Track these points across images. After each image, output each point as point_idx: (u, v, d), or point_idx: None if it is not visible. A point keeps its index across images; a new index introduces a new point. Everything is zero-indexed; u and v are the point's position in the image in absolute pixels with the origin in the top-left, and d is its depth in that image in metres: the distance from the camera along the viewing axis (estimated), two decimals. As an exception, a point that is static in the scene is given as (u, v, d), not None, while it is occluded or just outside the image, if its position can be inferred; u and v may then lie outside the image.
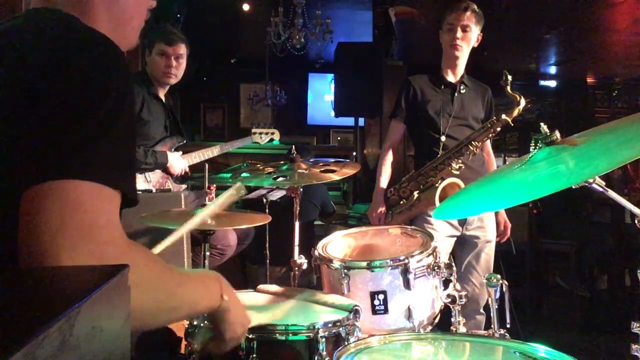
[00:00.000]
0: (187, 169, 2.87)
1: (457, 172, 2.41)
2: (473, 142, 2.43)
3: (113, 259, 0.72)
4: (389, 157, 2.68)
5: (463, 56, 2.60)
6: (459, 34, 2.52)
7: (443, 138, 2.53)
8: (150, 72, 2.75)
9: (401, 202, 2.55)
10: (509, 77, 2.30)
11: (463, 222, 2.52)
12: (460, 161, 2.43)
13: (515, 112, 2.42)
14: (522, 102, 2.40)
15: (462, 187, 2.34)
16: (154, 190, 2.57)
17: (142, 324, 0.81)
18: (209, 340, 1.07)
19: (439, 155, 2.49)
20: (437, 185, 2.40)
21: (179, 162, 2.79)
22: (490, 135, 2.48)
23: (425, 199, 2.44)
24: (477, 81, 2.73)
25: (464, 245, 2.57)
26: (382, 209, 2.58)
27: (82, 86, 0.76)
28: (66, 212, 0.70)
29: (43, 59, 0.77)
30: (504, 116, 2.42)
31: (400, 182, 2.58)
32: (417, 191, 2.50)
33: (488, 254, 2.57)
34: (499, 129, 2.45)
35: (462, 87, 2.62)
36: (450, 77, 2.63)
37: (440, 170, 2.46)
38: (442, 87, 2.62)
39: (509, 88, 2.34)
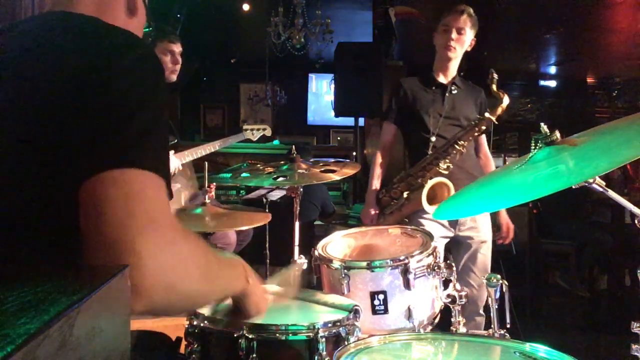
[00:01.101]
0: (180, 168, 2.86)
1: (446, 172, 2.42)
2: (459, 142, 2.44)
3: (176, 244, 0.76)
4: (380, 159, 2.70)
5: (456, 58, 2.60)
6: (454, 35, 2.53)
7: (433, 138, 2.53)
8: None
9: (392, 203, 2.55)
10: (495, 76, 2.31)
11: (455, 223, 2.52)
12: (447, 161, 2.43)
13: (499, 111, 2.43)
14: (506, 101, 2.41)
15: (450, 187, 2.35)
16: None
17: (192, 304, 0.88)
18: (231, 312, 1.16)
19: (427, 156, 2.49)
20: (425, 185, 2.40)
21: (172, 161, 2.78)
22: (475, 134, 2.48)
23: (414, 199, 2.44)
24: (469, 82, 2.73)
25: (459, 247, 2.57)
26: (374, 211, 2.59)
27: (133, 83, 0.79)
28: (133, 199, 0.72)
29: (92, 59, 0.80)
30: (487, 114, 2.43)
31: (391, 183, 2.59)
32: (407, 191, 2.50)
33: (484, 254, 2.56)
34: (483, 127, 2.47)
35: (453, 88, 2.62)
36: (442, 79, 2.63)
37: (428, 170, 2.46)
38: (433, 87, 2.62)
39: (494, 86, 2.35)
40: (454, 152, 2.44)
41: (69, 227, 0.72)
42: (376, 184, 2.64)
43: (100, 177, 0.72)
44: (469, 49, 2.62)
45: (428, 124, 2.55)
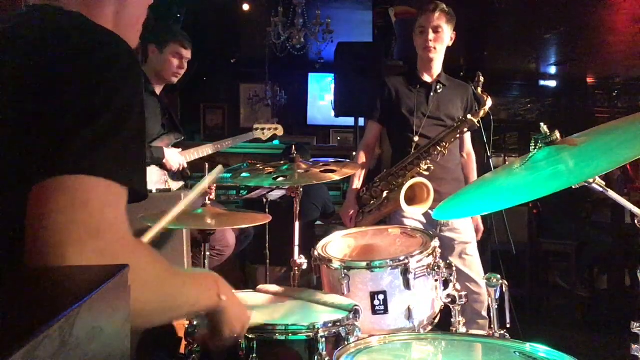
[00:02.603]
0: (185, 165, 2.86)
1: (426, 173, 2.41)
2: (441, 143, 2.44)
3: (120, 257, 0.72)
4: (363, 158, 2.69)
5: (438, 57, 2.59)
6: (431, 35, 2.52)
7: (416, 138, 2.52)
8: (154, 69, 2.79)
9: (371, 202, 2.55)
10: (482, 79, 2.32)
11: (435, 224, 2.50)
12: (428, 162, 2.43)
13: (482, 113, 2.44)
14: (489, 103, 2.41)
15: (429, 188, 2.34)
16: (154, 190, 2.57)
17: (143, 322, 0.81)
18: (206, 336, 1.08)
19: (408, 155, 2.49)
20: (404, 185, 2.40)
21: (175, 158, 2.79)
22: (457, 135, 2.47)
23: (394, 199, 2.42)
24: (456, 80, 2.71)
25: (442, 249, 2.56)
26: (353, 210, 2.58)
27: (95, 85, 0.76)
28: (74, 208, 0.70)
29: (56, 56, 0.77)
30: (469, 116, 2.43)
31: (373, 182, 2.58)
32: (387, 191, 2.50)
33: (471, 254, 2.53)
34: (465, 129, 2.46)
35: (438, 87, 2.60)
36: (426, 78, 2.62)
37: (409, 170, 2.45)
38: (418, 87, 2.61)
39: (479, 89, 2.36)
40: (436, 153, 2.44)
41: (19, 231, 0.70)
42: (357, 183, 2.63)
43: (49, 182, 0.70)
44: (450, 44, 2.60)
45: (412, 124, 2.55)
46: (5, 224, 0.74)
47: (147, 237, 1.12)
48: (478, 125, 2.51)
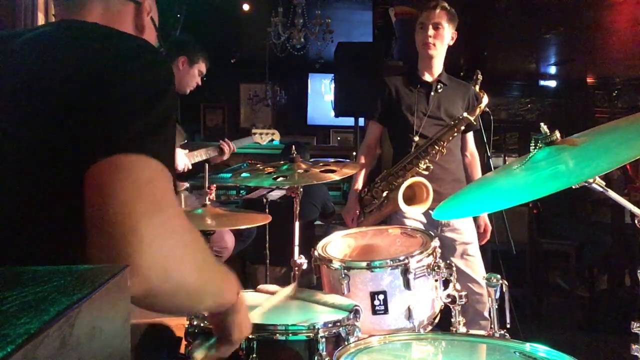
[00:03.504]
0: (190, 167, 2.88)
1: (425, 173, 2.41)
2: (439, 142, 2.44)
3: (180, 232, 0.76)
4: (364, 159, 2.70)
5: (438, 55, 2.58)
6: (431, 32, 2.52)
7: (416, 138, 2.52)
8: (178, 78, 2.89)
9: (373, 202, 2.55)
10: (480, 77, 2.32)
11: (436, 225, 2.50)
12: (427, 161, 2.43)
13: (477, 111, 2.45)
14: (484, 101, 2.42)
15: (428, 187, 2.34)
16: None
17: (187, 298, 0.82)
18: (211, 347, 1.07)
19: (407, 155, 2.49)
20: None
21: (182, 158, 2.81)
22: (455, 134, 2.47)
23: (393, 198, 2.43)
24: (457, 80, 2.71)
25: (443, 249, 2.56)
26: (355, 210, 2.59)
27: (151, 81, 0.82)
28: (140, 184, 0.73)
29: (107, 56, 0.82)
30: (465, 114, 2.43)
31: (374, 182, 2.58)
32: (387, 191, 2.50)
33: (472, 255, 2.53)
34: (462, 127, 2.47)
35: (439, 86, 2.59)
36: (427, 77, 2.62)
37: (408, 170, 2.46)
38: (418, 86, 2.61)
39: (477, 87, 2.37)
40: (434, 152, 2.44)
41: (73, 214, 0.72)
42: (358, 184, 2.64)
43: (109, 161, 0.72)
44: (451, 43, 2.60)
45: (412, 123, 2.55)
46: (57, 211, 0.77)
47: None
48: (475, 123, 2.52)
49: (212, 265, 0.88)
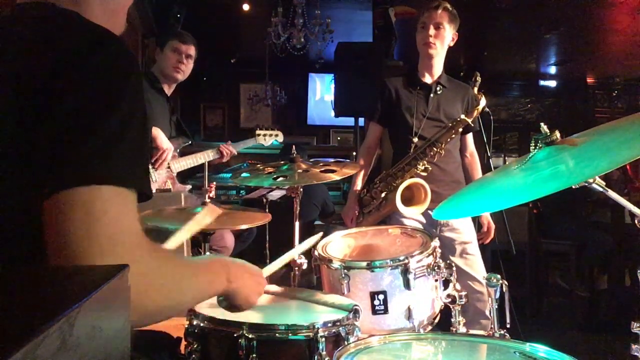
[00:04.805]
0: (175, 153, 2.83)
1: (424, 174, 2.42)
2: (437, 143, 2.44)
3: (140, 261, 0.74)
4: (364, 160, 2.70)
5: (438, 55, 2.58)
6: (432, 31, 2.52)
7: (415, 139, 2.52)
8: (160, 68, 2.86)
9: (371, 203, 2.55)
10: (479, 79, 2.33)
11: (435, 224, 2.50)
12: (425, 162, 2.43)
13: (475, 113, 2.45)
14: (482, 103, 2.43)
15: (426, 188, 2.35)
16: (153, 190, 2.57)
17: (159, 317, 0.82)
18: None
19: (406, 156, 2.49)
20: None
21: (166, 141, 2.74)
22: (453, 135, 2.47)
23: (391, 199, 2.43)
24: (457, 81, 2.71)
25: (443, 249, 2.56)
26: (354, 211, 2.59)
27: (97, 89, 0.75)
28: (92, 220, 0.70)
29: (54, 60, 0.76)
30: (463, 116, 2.44)
31: (373, 183, 2.59)
32: (385, 192, 2.50)
33: (472, 254, 2.53)
34: (460, 129, 2.47)
35: (438, 88, 2.60)
36: (427, 79, 2.62)
37: (407, 171, 2.46)
38: (418, 88, 2.61)
39: (475, 89, 2.39)
40: (432, 153, 2.44)
41: (34, 244, 0.71)
42: (358, 184, 2.64)
43: (63, 196, 0.70)
44: (451, 44, 2.60)
45: (411, 125, 2.55)
46: (10, 232, 0.74)
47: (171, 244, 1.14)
48: (473, 125, 2.52)
49: (185, 274, 0.87)
